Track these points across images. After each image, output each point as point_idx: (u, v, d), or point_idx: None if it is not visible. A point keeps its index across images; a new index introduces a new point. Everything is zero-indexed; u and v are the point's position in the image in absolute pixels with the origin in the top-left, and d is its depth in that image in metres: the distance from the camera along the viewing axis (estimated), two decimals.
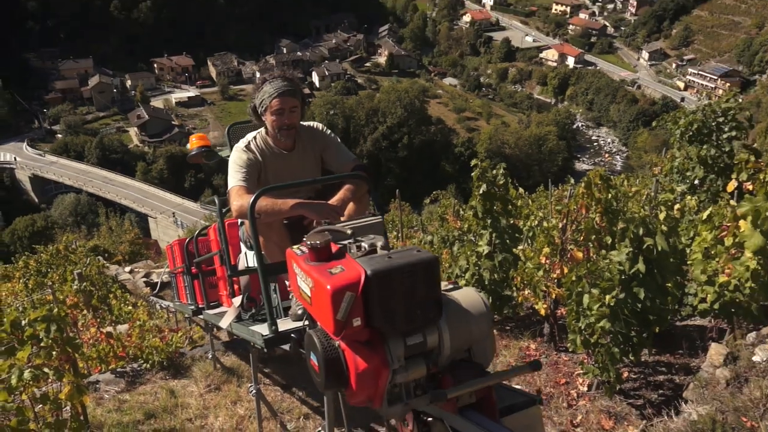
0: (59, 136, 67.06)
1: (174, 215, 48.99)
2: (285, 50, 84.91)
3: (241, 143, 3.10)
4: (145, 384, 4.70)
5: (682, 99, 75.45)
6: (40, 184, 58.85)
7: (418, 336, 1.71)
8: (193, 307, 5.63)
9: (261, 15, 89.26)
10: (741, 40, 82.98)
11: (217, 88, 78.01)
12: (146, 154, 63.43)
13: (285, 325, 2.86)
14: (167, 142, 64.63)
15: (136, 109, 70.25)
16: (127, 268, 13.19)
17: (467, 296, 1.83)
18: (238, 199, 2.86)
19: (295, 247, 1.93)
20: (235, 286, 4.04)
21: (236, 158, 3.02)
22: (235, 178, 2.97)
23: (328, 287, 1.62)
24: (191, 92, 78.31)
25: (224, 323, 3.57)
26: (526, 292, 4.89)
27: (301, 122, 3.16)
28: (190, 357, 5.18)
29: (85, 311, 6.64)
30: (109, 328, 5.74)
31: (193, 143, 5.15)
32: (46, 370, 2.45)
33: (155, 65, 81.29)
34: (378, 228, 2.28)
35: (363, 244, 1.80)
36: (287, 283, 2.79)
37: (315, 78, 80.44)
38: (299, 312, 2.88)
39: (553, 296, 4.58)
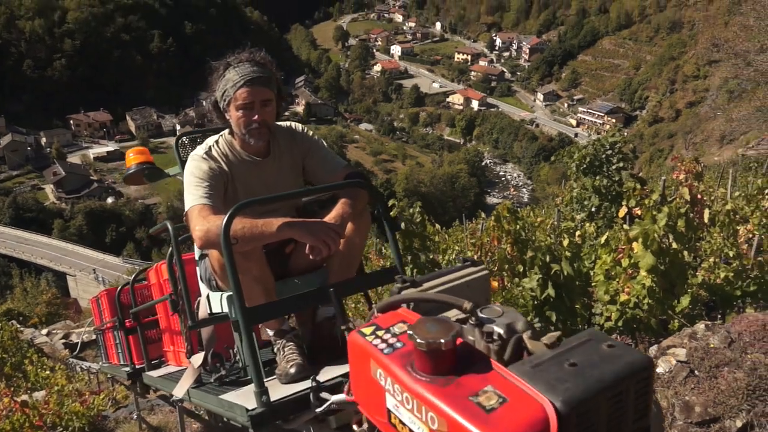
0: None
1: (95, 272, 46.22)
2: (205, 103, 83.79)
3: (200, 150, 2.36)
4: None
5: (576, 135, 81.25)
6: None
7: None
8: (128, 368, 4.78)
9: (181, 69, 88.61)
10: (622, 80, 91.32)
11: (137, 141, 75.85)
12: (64, 211, 60.50)
13: (276, 390, 2.04)
14: (86, 198, 62.55)
15: (52, 166, 67.45)
16: (44, 331, 12.60)
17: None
18: (203, 221, 2.10)
19: (366, 331, 1.17)
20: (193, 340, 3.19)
21: (194, 169, 2.28)
22: (194, 194, 2.21)
23: None
24: (110, 147, 76.40)
25: (179, 391, 2.67)
26: None
27: (277, 123, 2.47)
28: (114, 420, 4.91)
29: None
30: (25, 396, 5.29)
31: (131, 159, 4.13)
32: None
33: (72, 121, 79.35)
34: (483, 286, 1.54)
35: (494, 328, 1.09)
36: (270, 332, 2.35)
37: None
38: (291, 370, 2.17)
39: None
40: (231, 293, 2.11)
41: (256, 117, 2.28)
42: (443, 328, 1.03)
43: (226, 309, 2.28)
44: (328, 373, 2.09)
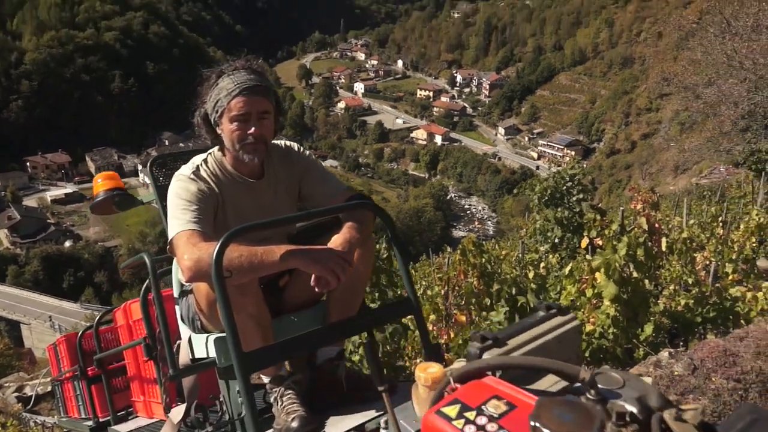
0: None
1: (51, 319, 44.38)
2: (167, 142, 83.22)
3: (186, 169, 2.07)
4: None
5: (537, 167, 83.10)
6: None
7: None
8: (90, 422, 4.33)
9: (143, 109, 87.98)
10: (579, 114, 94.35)
11: None
12: (18, 257, 58.10)
13: None
14: (42, 242, 60.49)
15: (6, 210, 65.59)
16: None
17: None
18: (193, 249, 1.82)
19: (449, 412, 0.85)
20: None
21: (180, 190, 2.00)
22: (181, 219, 1.92)
23: None
24: (69, 189, 74.81)
25: None
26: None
27: (272, 141, 2.18)
28: None
29: None
30: None
31: (99, 185, 3.46)
32: None
33: (28, 164, 77.47)
34: (574, 340, 1.27)
35: (625, 406, 0.84)
36: (265, 379, 2.12)
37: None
38: (294, 424, 1.91)
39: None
40: (218, 335, 1.94)
41: (253, 130, 2.01)
42: (581, 417, 0.75)
43: (212, 353, 2.02)
44: (337, 427, 1.91)
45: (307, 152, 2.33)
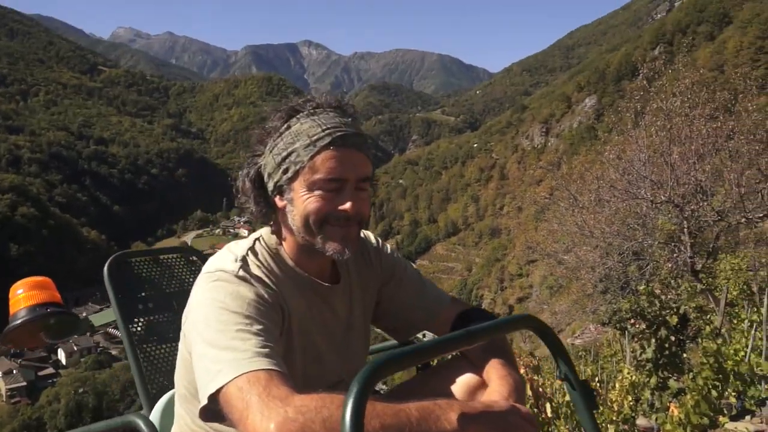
0: None
1: None
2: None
3: (225, 262, 1.25)
4: None
5: (423, 335, 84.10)
6: None
7: None
8: None
9: (2, 293, 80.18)
10: (458, 281, 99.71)
11: None
12: None
13: None
14: None
15: None
16: None
17: None
18: (280, 408, 0.96)
19: None
20: None
21: (227, 298, 1.16)
22: (239, 351, 1.07)
23: None
24: None
25: None
26: None
27: None
28: None
29: None
30: None
31: (19, 299, 1.93)
32: None
33: None
34: None
35: None
36: None
37: (61, 355, 71.16)
38: None
39: None
40: None
41: (348, 206, 1.23)
42: None
43: None
44: None
45: (388, 247, 1.56)
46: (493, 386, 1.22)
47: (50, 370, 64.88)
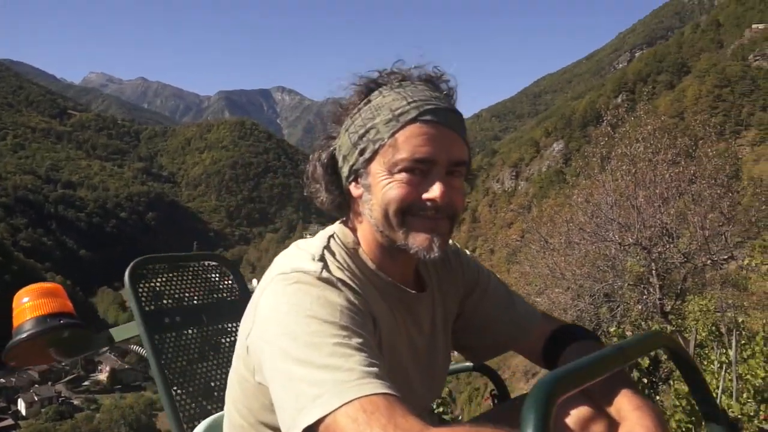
0: None
1: None
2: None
3: (304, 262, 1.00)
4: None
5: None
6: None
7: None
8: None
9: None
10: None
11: None
12: None
13: None
14: None
15: None
16: None
17: None
18: None
19: None
20: None
21: (316, 306, 0.91)
22: (342, 371, 0.83)
23: None
24: None
25: None
26: None
27: None
28: None
29: None
30: None
31: (25, 309, 1.56)
32: None
33: None
34: None
35: None
36: None
37: (21, 406, 68.13)
38: None
39: None
40: None
41: (438, 192, 1.00)
42: None
43: None
44: None
45: (469, 255, 1.36)
46: (631, 419, 0.97)
47: (9, 422, 61.83)
